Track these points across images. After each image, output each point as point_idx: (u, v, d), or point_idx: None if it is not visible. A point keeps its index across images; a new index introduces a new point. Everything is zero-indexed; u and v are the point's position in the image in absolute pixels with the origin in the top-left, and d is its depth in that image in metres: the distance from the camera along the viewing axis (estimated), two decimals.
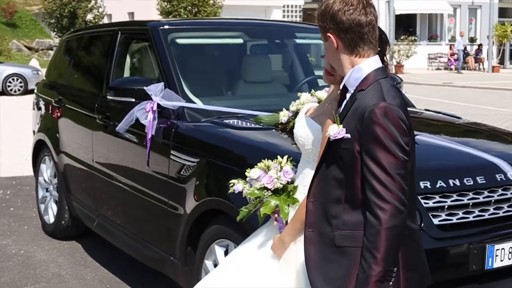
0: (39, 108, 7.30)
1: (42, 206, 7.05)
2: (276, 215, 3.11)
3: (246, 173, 3.14)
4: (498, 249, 3.85)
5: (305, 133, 3.02)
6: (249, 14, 26.68)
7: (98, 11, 34.44)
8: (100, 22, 33.28)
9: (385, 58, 2.99)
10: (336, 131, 2.66)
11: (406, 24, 39.75)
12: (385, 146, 2.55)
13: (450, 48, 38.39)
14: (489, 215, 3.90)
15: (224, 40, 5.72)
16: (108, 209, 5.70)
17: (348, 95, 2.76)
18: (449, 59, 38.39)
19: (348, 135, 2.64)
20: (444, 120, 5.22)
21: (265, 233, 3.24)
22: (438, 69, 38.75)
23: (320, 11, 2.81)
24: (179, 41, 5.38)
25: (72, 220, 6.58)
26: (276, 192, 3.09)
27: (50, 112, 6.85)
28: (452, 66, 38.02)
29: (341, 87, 2.84)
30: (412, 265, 2.73)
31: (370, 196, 2.57)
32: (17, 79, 24.38)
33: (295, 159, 3.22)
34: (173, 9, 30.45)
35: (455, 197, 3.81)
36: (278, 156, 3.15)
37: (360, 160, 2.62)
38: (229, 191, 3.28)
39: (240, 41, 5.69)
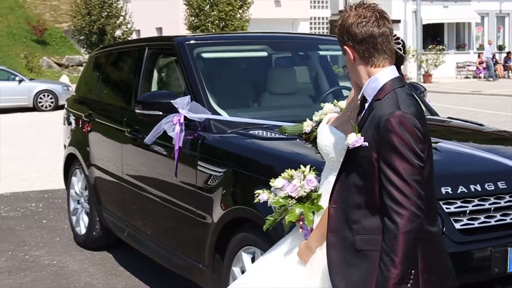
0: (69, 123, 7.47)
1: (74, 218, 7.21)
2: (301, 223, 3.22)
3: (271, 183, 3.25)
4: None
5: (329, 142, 3.12)
6: (276, 27, 26.85)
7: (126, 27, 34.79)
8: (129, 38, 33.64)
9: (401, 68, 3.08)
10: (355, 139, 2.77)
11: (433, 33, 39.65)
12: (401, 154, 2.65)
13: (479, 56, 38.22)
14: (510, 219, 3.96)
15: (249, 54, 5.85)
16: (138, 219, 5.84)
17: (366, 105, 2.87)
18: (477, 68, 38.21)
19: (366, 143, 2.74)
20: (466, 128, 5.30)
21: (291, 241, 3.34)
22: (466, 77, 38.57)
23: (337, 25, 2.93)
24: (205, 55, 5.52)
25: (103, 231, 6.73)
26: (300, 200, 3.19)
27: (80, 126, 7.02)
28: (481, 75, 37.84)
29: (359, 97, 2.95)
30: (431, 268, 2.81)
31: (388, 202, 2.66)
32: (48, 95, 24.76)
33: (318, 168, 3.32)
34: (201, 23, 30.69)
35: (476, 202, 3.88)
36: (301, 166, 3.25)
37: (378, 167, 2.72)
38: (255, 201, 3.38)
39: (264, 54, 5.81)
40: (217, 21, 30.50)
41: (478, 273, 3.85)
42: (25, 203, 9.18)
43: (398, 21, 38.03)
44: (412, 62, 37.11)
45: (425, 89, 6.26)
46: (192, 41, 5.48)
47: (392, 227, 2.65)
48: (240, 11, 31.19)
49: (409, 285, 2.67)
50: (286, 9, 36.03)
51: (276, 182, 3.22)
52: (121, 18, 34.70)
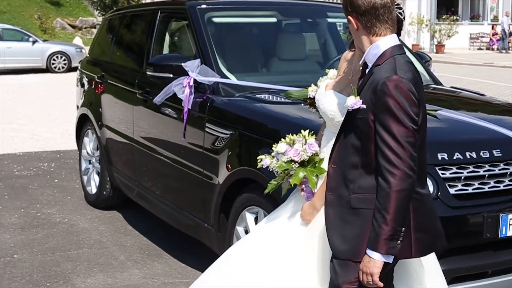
0: (82, 84, 7.63)
1: (85, 178, 7.39)
2: (303, 186, 3.38)
3: (273, 148, 3.40)
4: None
5: (335, 106, 3.25)
6: None
7: None
8: (143, 1, 33.62)
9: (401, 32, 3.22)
10: (353, 101, 2.93)
11: (447, 4, 39.43)
12: (396, 116, 2.80)
13: (493, 28, 38.03)
14: (504, 186, 4.12)
15: (259, 19, 5.97)
16: (147, 179, 6.02)
17: (367, 70, 3.03)
18: (491, 39, 38.04)
19: (364, 106, 2.90)
20: (467, 97, 5.42)
21: (294, 204, 3.50)
22: (480, 49, 38.44)
23: None
24: (216, 19, 5.64)
25: (113, 191, 6.91)
26: (302, 164, 3.35)
27: (93, 87, 7.17)
28: (494, 46, 37.69)
29: (361, 62, 3.10)
30: (423, 228, 2.98)
31: (382, 162, 2.83)
32: (61, 57, 24.89)
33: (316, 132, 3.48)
34: None
35: (471, 168, 4.03)
36: (302, 130, 3.39)
37: (374, 128, 2.87)
38: (258, 166, 3.53)
39: (273, 20, 5.93)
40: None
41: (471, 237, 4.02)
42: (38, 162, 9.38)
43: None
44: (425, 32, 37.01)
45: (430, 59, 6.38)
46: (203, 6, 5.60)
47: (384, 185, 2.81)
48: None
49: (399, 241, 2.83)
50: None
51: (279, 147, 3.36)
52: None
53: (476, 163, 4.05)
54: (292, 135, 3.37)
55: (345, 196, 3.00)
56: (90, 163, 7.35)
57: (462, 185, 4.00)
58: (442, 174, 3.95)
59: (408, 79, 2.86)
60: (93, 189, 7.21)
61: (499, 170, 4.12)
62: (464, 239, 4.00)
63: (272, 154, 3.40)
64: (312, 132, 3.41)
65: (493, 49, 37.59)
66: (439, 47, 35.71)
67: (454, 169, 3.99)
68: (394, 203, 2.79)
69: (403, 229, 2.84)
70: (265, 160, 3.43)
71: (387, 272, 2.97)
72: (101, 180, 7.01)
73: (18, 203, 7.35)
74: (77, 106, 7.74)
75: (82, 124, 7.49)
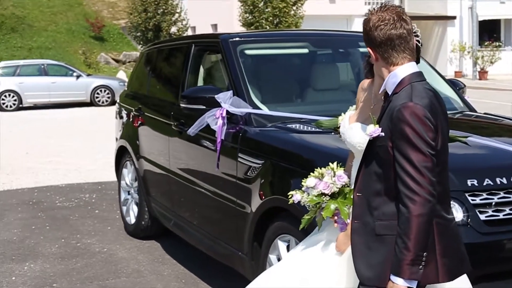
0: (121, 117, 7.79)
1: (124, 208, 7.52)
2: (335, 218, 3.40)
3: (303, 183, 3.43)
4: None
5: (363, 139, 3.21)
6: (330, 24, 26.94)
7: (181, 24, 35.25)
8: (184, 35, 34.07)
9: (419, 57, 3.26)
10: (372, 130, 2.99)
11: (490, 30, 39.15)
12: (412, 143, 2.84)
13: None
14: None
15: (290, 50, 6.05)
16: (183, 209, 6.11)
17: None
18: None
19: (383, 134, 2.95)
20: (500, 123, 5.41)
21: (327, 234, 3.51)
22: None
23: (362, 29, 3.15)
24: (248, 52, 5.74)
25: (151, 221, 7.01)
26: (333, 196, 3.38)
27: (130, 120, 7.32)
28: None
29: (380, 91, 3.15)
30: (448, 252, 2.99)
31: (401, 189, 2.86)
32: (105, 91, 25.38)
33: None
34: (255, 20, 30.95)
35: (502, 194, 4.02)
36: (330, 163, 3.43)
37: (393, 155, 2.91)
38: (289, 202, 3.57)
39: (305, 51, 6.01)
40: (271, 18, 30.72)
41: (503, 263, 3.99)
42: (79, 193, 9.56)
43: (454, 18, 37.71)
44: (467, 59, 36.78)
45: (464, 85, 6.38)
46: (236, 38, 5.71)
47: (404, 211, 2.84)
48: (294, 7, 31.35)
49: (421, 266, 2.85)
50: (340, 5, 36.04)
51: (308, 182, 3.40)
52: (177, 15, 35.14)
53: (507, 189, 4.05)
54: (321, 168, 3.40)
55: (370, 223, 3.03)
56: (129, 193, 7.48)
57: (493, 211, 3.99)
58: (472, 200, 3.95)
59: (423, 105, 2.89)
60: (132, 219, 7.32)
61: None
62: (496, 265, 3.98)
63: (303, 188, 3.43)
64: (340, 163, 3.45)
65: None
66: (482, 74, 35.43)
67: (485, 195, 3.99)
68: (414, 228, 2.82)
69: (425, 254, 2.86)
70: (295, 196, 3.46)
71: None
72: (139, 211, 7.12)
73: (59, 234, 7.49)
74: (116, 138, 7.89)
75: (121, 156, 7.64)
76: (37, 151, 14.14)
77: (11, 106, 24.70)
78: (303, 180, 3.42)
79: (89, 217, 8.22)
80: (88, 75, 27.03)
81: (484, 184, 4.00)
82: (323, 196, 3.35)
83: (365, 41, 3.12)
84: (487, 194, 4.00)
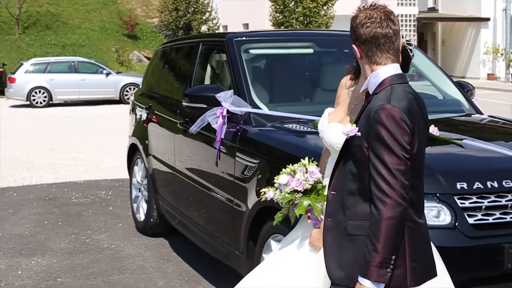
0: (134, 115, 7.84)
1: (135, 205, 7.58)
2: (309, 214, 3.40)
3: (275, 180, 3.41)
4: None
5: (341, 139, 3.18)
6: None
7: (212, 23, 35.38)
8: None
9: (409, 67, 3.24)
10: (349, 129, 2.98)
11: None
12: (387, 145, 2.82)
13: None
14: None
15: (294, 50, 6.05)
16: (187, 207, 6.14)
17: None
18: None
19: (359, 134, 2.94)
20: (502, 126, 5.35)
21: (302, 231, 3.53)
22: None
23: (350, 26, 3.14)
24: (252, 51, 5.76)
25: (159, 218, 7.06)
26: (306, 192, 3.36)
27: (141, 118, 7.38)
28: None
29: (361, 90, 3.15)
30: (417, 257, 2.96)
31: (374, 190, 2.85)
32: (134, 88, 25.51)
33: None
34: (285, 20, 30.99)
35: (493, 198, 3.98)
36: (301, 159, 3.42)
37: (368, 156, 2.90)
38: (262, 200, 3.57)
39: (310, 51, 6.00)
40: (301, 18, 30.71)
41: (491, 268, 3.95)
42: (96, 190, 9.66)
43: (488, 19, 37.32)
44: (500, 61, 36.38)
45: (473, 88, 6.32)
46: (240, 38, 5.72)
47: (375, 213, 2.82)
48: (325, 7, 31.32)
49: (389, 269, 2.83)
50: None
51: (281, 179, 3.37)
52: (207, 13, 35.27)
53: (498, 193, 4.01)
54: (292, 165, 3.40)
55: (342, 222, 3.02)
56: (139, 191, 7.54)
57: (482, 215, 3.95)
58: (461, 203, 3.92)
59: (401, 107, 2.87)
60: (141, 216, 7.38)
61: None
62: (484, 269, 3.94)
63: (275, 185, 3.42)
64: (313, 158, 3.44)
65: None
66: None
67: (474, 199, 3.96)
68: (384, 231, 2.80)
69: (394, 257, 2.84)
70: (268, 193, 3.44)
71: None
72: (148, 208, 7.18)
73: (70, 229, 7.58)
74: (129, 136, 7.95)
75: (132, 154, 7.70)
76: (61, 148, 14.32)
77: (41, 103, 24.99)
78: (275, 177, 3.40)
79: (102, 214, 8.30)
80: (118, 72, 27.24)
81: (474, 187, 3.96)
82: (296, 193, 3.33)
83: (351, 37, 3.10)
84: (477, 198, 3.96)
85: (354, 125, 2.98)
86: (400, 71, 3.08)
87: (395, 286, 2.92)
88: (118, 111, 22.60)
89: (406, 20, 38.40)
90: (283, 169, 3.39)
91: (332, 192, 3.10)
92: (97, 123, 19.32)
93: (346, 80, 3.45)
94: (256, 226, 4.71)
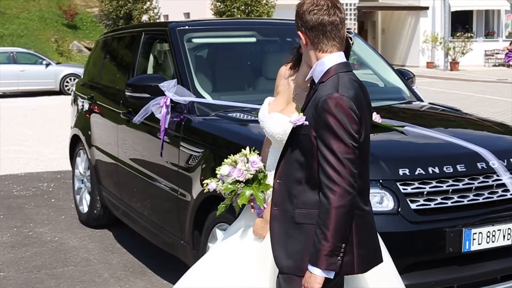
0: (75, 105, 7.74)
1: (78, 197, 7.50)
2: (252, 203, 3.41)
3: (217, 171, 3.40)
4: (476, 233, 4.08)
5: (282, 129, 3.23)
6: None
7: (153, 12, 35.05)
8: None
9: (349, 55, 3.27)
10: (297, 118, 2.98)
11: (462, 21, 39.37)
12: (336, 134, 2.84)
13: (510, 44, 37.85)
14: (468, 201, 4.13)
15: (237, 39, 6.05)
16: (130, 198, 6.10)
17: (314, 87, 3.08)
18: (506, 54, 37.83)
19: (307, 122, 2.95)
20: (441, 113, 5.45)
21: (245, 220, 3.54)
22: (495, 65, 38.30)
23: (295, 12, 3.14)
24: (195, 40, 5.74)
25: (103, 210, 6.99)
26: (248, 182, 3.36)
27: (83, 108, 7.29)
28: (511, 63, 37.50)
29: (307, 79, 3.16)
30: (364, 244, 3.00)
31: (322, 179, 2.86)
32: (74, 79, 25.11)
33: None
34: (227, 9, 30.88)
35: (434, 183, 4.06)
36: (242, 149, 3.42)
37: (316, 145, 2.92)
38: (204, 191, 3.56)
39: (252, 39, 6.01)
40: (243, 7, 30.67)
41: (433, 252, 4.03)
42: (38, 183, 9.52)
43: (426, 8, 37.89)
44: (439, 50, 36.99)
45: (414, 75, 6.41)
46: (183, 27, 5.69)
47: (325, 202, 2.84)
48: None
49: (339, 257, 2.86)
50: None
51: (222, 170, 3.37)
52: (148, 3, 34.91)
53: (439, 178, 4.08)
54: (233, 155, 3.40)
55: (289, 211, 3.03)
56: (82, 182, 7.45)
57: (424, 200, 4.02)
58: (404, 189, 3.98)
59: (349, 96, 2.89)
60: (85, 208, 7.30)
61: (463, 185, 4.14)
62: (426, 254, 4.01)
63: (217, 176, 3.42)
64: (254, 147, 3.44)
65: (508, 66, 37.42)
66: (454, 65, 35.67)
67: (416, 184, 4.02)
68: (333, 219, 2.82)
69: (343, 245, 2.86)
70: (211, 184, 3.44)
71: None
72: (92, 200, 7.10)
73: (12, 222, 7.46)
74: (71, 127, 7.85)
75: (75, 145, 7.60)
76: (1, 140, 14.03)
77: None
78: (217, 168, 3.40)
79: (44, 206, 8.18)
80: (58, 63, 26.81)
81: (416, 173, 4.03)
82: (238, 183, 3.33)
83: (297, 24, 3.10)
84: (419, 183, 4.03)
85: (301, 114, 2.99)
86: (345, 60, 3.11)
87: (343, 273, 2.96)
88: (59, 102, 22.23)
89: (346, 9, 38.64)
90: (225, 160, 3.38)
91: (278, 181, 3.11)
92: (37, 114, 18.99)
93: (285, 70, 3.45)
94: (201, 216, 4.70)
